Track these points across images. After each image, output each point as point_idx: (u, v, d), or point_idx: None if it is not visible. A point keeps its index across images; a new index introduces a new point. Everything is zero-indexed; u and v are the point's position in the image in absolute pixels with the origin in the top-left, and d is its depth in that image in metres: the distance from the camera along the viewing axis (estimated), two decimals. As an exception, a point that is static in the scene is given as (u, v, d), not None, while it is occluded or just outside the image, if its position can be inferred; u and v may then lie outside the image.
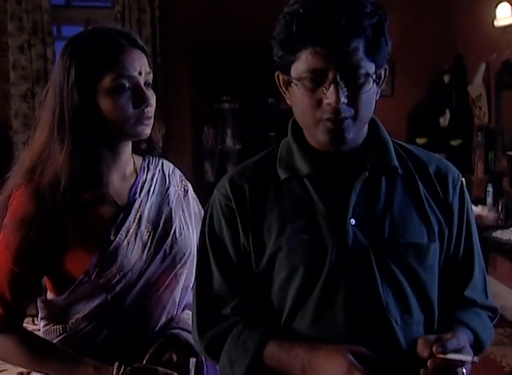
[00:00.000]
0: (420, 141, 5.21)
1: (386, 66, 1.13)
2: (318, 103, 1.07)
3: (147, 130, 1.33)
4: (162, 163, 1.49)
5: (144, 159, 1.46)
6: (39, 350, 1.30)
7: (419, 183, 1.17)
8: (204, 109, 5.15)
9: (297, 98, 1.11)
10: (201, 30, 5.04)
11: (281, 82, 1.16)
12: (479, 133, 5.04)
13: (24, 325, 1.34)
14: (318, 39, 1.04)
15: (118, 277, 1.30)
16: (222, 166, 5.27)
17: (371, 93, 1.09)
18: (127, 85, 1.28)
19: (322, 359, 1.04)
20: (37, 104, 4.89)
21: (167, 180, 1.46)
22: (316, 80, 1.06)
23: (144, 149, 1.45)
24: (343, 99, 1.05)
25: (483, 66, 4.90)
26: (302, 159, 1.16)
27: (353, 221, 1.11)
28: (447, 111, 5.29)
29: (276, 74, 1.17)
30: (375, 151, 1.16)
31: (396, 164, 1.16)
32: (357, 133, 1.12)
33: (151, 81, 1.33)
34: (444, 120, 5.34)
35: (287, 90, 1.15)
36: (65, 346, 1.32)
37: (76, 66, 1.27)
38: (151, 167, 1.45)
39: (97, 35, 1.32)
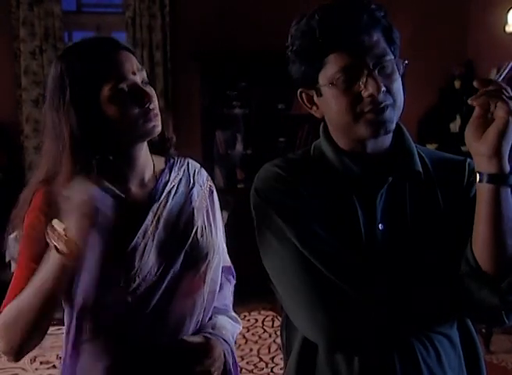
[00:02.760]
0: (430, 146, 5.18)
1: (405, 61, 1.15)
2: (357, 98, 1.09)
3: (157, 127, 1.33)
4: (188, 163, 1.49)
5: (168, 160, 1.46)
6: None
7: (438, 190, 1.17)
8: (214, 115, 5.14)
9: (331, 101, 1.12)
10: (212, 35, 5.05)
11: (305, 99, 1.19)
12: (490, 139, 5.00)
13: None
14: (345, 38, 1.07)
15: (138, 281, 1.29)
16: (232, 171, 5.27)
17: (400, 81, 1.12)
18: (126, 89, 1.28)
19: None
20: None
21: (191, 181, 1.46)
22: (349, 77, 1.09)
23: (161, 148, 1.44)
24: (383, 87, 1.07)
25: (494, 72, 4.88)
26: (335, 161, 1.17)
27: (381, 226, 1.13)
28: (458, 116, 5.27)
29: (299, 92, 1.19)
30: (399, 156, 1.17)
31: (420, 169, 1.17)
32: (394, 122, 1.13)
33: (146, 78, 1.34)
34: (455, 126, 5.31)
35: (313, 104, 1.17)
36: (92, 349, 1.32)
37: (70, 85, 1.27)
38: (175, 168, 1.45)
39: (84, 50, 1.31)
